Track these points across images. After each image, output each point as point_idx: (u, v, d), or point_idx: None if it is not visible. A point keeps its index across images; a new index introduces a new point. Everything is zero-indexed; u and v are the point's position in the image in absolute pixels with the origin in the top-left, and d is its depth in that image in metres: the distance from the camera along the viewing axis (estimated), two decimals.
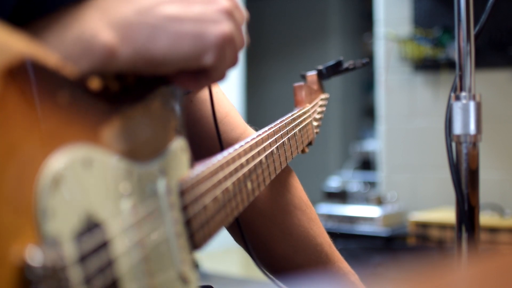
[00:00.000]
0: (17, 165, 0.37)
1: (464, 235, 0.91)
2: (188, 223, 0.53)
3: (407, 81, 3.38)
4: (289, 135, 0.80)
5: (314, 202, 3.73)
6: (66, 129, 0.42)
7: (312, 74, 0.96)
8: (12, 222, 0.36)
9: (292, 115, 0.83)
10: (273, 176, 0.74)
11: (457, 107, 0.93)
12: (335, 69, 0.96)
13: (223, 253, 3.97)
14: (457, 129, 0.93)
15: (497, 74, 3.07)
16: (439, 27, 3.19)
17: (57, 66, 0.42)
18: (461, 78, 0.93)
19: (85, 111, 0.44)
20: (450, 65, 3.15)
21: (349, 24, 5.97)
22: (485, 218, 2.67)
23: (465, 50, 0.93)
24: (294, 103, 0.92)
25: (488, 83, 3.05)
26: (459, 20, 0.93)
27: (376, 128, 3.67)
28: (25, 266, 0.36)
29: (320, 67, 0.96)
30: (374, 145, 4.48)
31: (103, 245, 0.42)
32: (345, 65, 0.96)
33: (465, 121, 0.92)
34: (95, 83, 0.46)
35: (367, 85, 5.72)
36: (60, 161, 0.40)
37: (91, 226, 0.41)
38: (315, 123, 0.93)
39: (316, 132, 0.94)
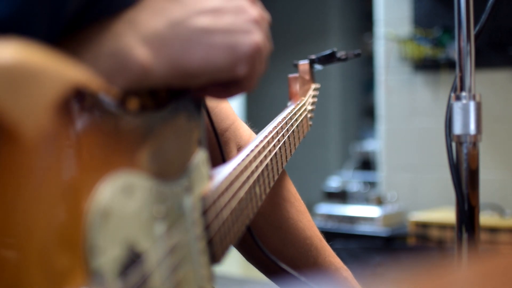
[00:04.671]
0: (68, 201, 0.36)
1: (464, 235, 0.91)
2: (210, 240, 0.52)
3: (407, 81, 3.38)
4: (289, 133, 0.79)
5: (314, 202, 3.71)
6: (108, 156, 0.40)
7: (304, 63, 0.96)
8: (63, 263, 0.35)
9: (291, 112, 0.83)
10: (276, 177, 0.72)
11: (457, 107, 0.93)
12: (328, 59, 0.96)
13: None
14: (457, 129, 0.93)
15: (497, 74, 3.07)
16: (439, 27, 3.19)
17: (103, 91, 0.41)
18: (461, 79, 0.93)
19: (123, 134, 0.43)
20: (450, 65, 3.15)
21: (349, 24, 5.97)
22: (485, 218, 2.67)
23: (465, 50, 0.93)
24: (288, 95, 0.91)
25: (488, 83, 3.05)
26: (459, 20, 0.93)
27: (376, 128, 3.67)
28: None
29: (313, 56, 0.96)
30: (374, 145, 4.48)
31: (144, 280, 0.41)
32: (338, 55, 0.96)
33: (465, 121, 0.92)
34: (133, 104, 0.45)
35: (367, 85, 5.73)
36: (106, 193, 0.38)
37: (132, 257, 0.40)
38: (309, 115, 0.93)
39: (310, 125, 0.93)
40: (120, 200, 0.40)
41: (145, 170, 0.44)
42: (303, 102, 0.89)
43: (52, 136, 0.35)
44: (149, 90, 0.48)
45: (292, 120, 0.82)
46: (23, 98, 0.33)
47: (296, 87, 0.91)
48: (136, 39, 0.46)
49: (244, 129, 0.83)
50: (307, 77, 0.96)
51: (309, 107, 0.94)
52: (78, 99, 0.38)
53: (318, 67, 0.97)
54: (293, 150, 0.81)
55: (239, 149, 0.81)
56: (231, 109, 0.83)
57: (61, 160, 0.36)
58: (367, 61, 5.41)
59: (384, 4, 3.47)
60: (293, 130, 0.81)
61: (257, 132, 0.85)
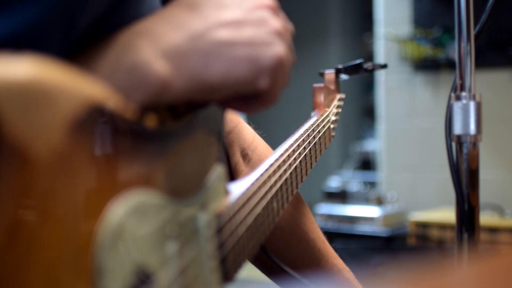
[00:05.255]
0: (80, 221, 0.35)
1: (464, 235, 0.91)
2: (223, 259, 0.51)
3: (407, 81, 3.38)
4: (310, 146, 0.77)
5: (314, 202, 3.70)
6: (123, 174, 0.39)
7: (330, 73, 0.95)
8: (69, 285, 0.34)
9: (314, 123, 0.80)
10: (295, 192, 0.70)
11: (457, 107, 0.93)
12: (355, 69, 0.95)
13: None
14: (457, 129, 0.93)
15: (497, 74, 3.07)
16: (439, 27, 3.19)
17: (121, 109, 0.39)
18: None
19: (140, 151, 0.41)
20: (450, 65, 3.15)
21: (349, 24, 5.97)
22: (485, 218, 2.67)
23: (465, 50, 0.93)
24: (312, 105, 0.89)
25: (488, 83, 3.05)
26: (459, 20, 0.93)
27: (376, 128, 3.67)
28: None
29: (339, 66, 0.95)
30: (374, 145, 4.48)
31: None
32: (364, 66, 0.95)
33: (465, 121, 0.92)
34: (151, 121, 0.43)
35: (367, 85, 5.72)
36: (118, 213, 0.37)
37: (142, 278, 0.39)
38: (332, 126, 0.90)
39: (332, 136, 0.91)
40: (132, 221, 0.38)
41: (160, 188, 0.43)
42: (327, 113, 0.87)
43: (66, 155, 0.34)
44: (168, 105, 0.47)
45: (315, 132, 0.79)
46: (36, 118, 0.32)
47: (321, 97, 0.88)
48: (155, 53, 0.44)
49: (248, 132, 0.83)
50: (333, 87, 0.94)
51: (333, 118, 0.91)
52: (95, 117, 0.36)
53: (344, 77, 0.96)
54: (313, 163, 0.79)
55: (243, 151, 0.80)
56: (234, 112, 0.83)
57: (74, 180, 0.34)
58: (367, 61, 5.40)
59: (384, 4, 3.47)
60: (315, 143, 0.79)
61: (261, 135, 0.85)
